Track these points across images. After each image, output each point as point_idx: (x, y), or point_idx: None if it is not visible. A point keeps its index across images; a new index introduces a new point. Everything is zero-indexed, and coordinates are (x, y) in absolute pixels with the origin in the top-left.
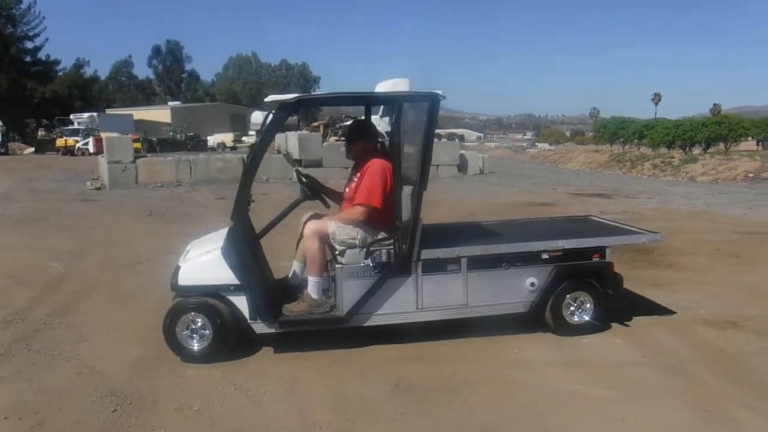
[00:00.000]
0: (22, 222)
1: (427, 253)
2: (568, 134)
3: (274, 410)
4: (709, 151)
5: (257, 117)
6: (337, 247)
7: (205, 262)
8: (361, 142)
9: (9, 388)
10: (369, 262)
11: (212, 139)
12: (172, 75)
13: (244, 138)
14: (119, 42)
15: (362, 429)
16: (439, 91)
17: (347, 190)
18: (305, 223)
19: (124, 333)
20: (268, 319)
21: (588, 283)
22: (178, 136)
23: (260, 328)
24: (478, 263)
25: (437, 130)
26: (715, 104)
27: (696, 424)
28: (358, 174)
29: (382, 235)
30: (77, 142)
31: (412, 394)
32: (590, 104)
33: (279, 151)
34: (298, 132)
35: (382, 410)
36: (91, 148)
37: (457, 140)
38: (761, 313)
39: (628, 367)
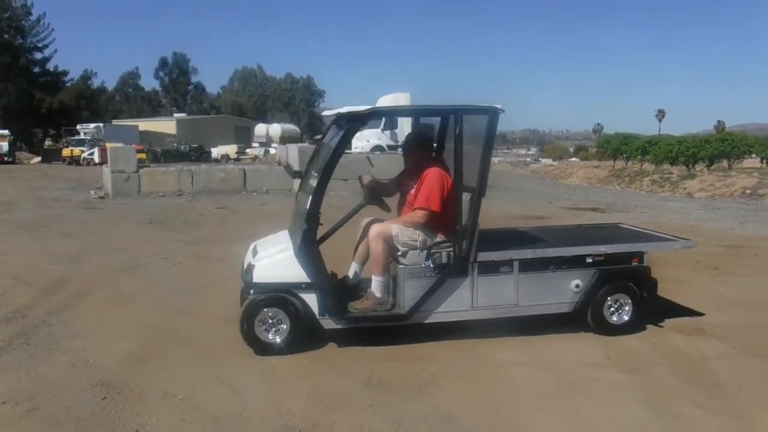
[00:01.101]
0: (26, 228)
1: (483, 256)
2: (571, 150)
3: (253, 400)
4: (712, 168)
5: (261, 129)
6: (400, 248)
7: (279, 261)
8: (418, 151)
9: (7, 377)
10: (429, 263)
11: (216, 151)
12: (178, 87)
13: (248, 150)
14: (127, 54)
15: (332, 417)
16: (499, 105)
17: (407, 196)
18: (365, 226)
19: (118, 330)
20: (336, 315)
21: (627, 285)
22: (183, 147)
23: (328, 323)
24: (528, 266)
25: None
26: (719, 121)
27: (646, 419)
28: (416, 180)
29: (440, 237)
30: (83, 152)
31: (382, 388)
32: (594, 120)
33: (279, 163)
34: (299, 144)
35: (353, 402)
36: (96, 158)
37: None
38: (727, 321)
39: (591, 368)
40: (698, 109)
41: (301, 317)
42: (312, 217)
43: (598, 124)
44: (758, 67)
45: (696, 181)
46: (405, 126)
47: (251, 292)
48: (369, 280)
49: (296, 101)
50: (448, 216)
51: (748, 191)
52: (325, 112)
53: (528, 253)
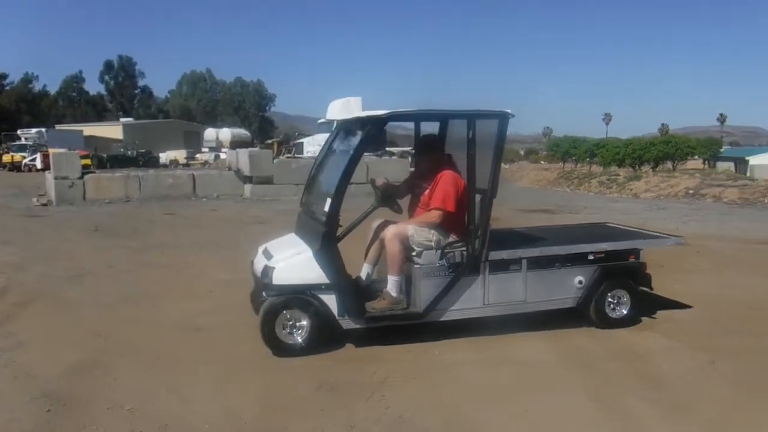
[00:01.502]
0: None
1: (494, 255)
2: (522, 153)
3: (203, 408)
4: (657, 169)
5: (210, 134)
6: (416, 248)
7: (298, 263)
8: (431, 154)
9: None
10: (443, 262)
11: (164, 156)
12: (125, 91)
13: (197, 155)
14: (70, 57)
15: (284, 422)
16: (509, 110)
17: (420, 197)
18: (376, 228)
19: (63, 340)
20: (355, 315)
21: (625, 281)
22: (129, 152)
23: (347, 324)
24: (535, 263)
25: (390, 148)
26: (663, 124)
27: (594, 413)
28: (430, 183)
29: (452, 238)
30: (24, 158)
31: (334, 391)
32: (543, 123)
33: (230, 168)
34: (250, 149)
35: (305, 406)
36: (38, 164)
37: (408, 158)
38: (672, 317)
39: (541, 365)
40: (643, 112)
41: (321, 318)
42: (332, 220)
43: (548, 127)
44: (699, 72)
45: (642, 182)
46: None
47: (265, 294)
48: (380, 281)
49: (247, 105)
50: (461, 217)
51: (690, 191)
52: (321, 120)
53: (536, 252)
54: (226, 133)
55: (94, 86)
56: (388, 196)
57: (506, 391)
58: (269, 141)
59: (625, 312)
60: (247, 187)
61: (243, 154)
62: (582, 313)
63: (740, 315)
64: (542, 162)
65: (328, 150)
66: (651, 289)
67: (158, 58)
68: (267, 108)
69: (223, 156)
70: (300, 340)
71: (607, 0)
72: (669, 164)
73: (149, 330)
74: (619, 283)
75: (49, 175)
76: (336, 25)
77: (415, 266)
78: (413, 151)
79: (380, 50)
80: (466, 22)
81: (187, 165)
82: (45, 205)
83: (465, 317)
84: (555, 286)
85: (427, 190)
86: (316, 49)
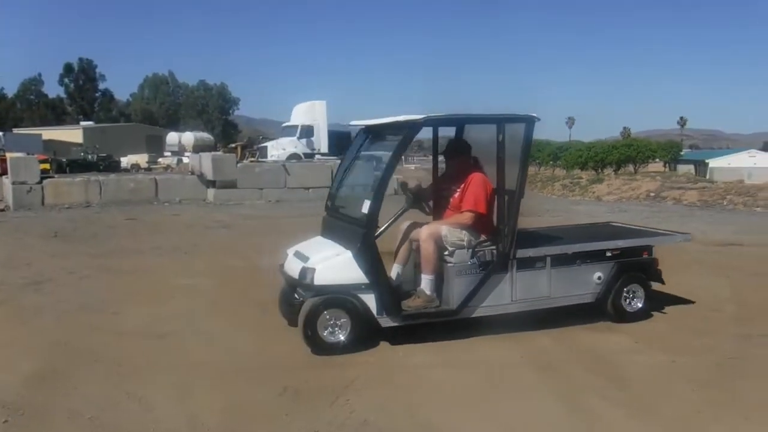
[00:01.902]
0: None
1: (521, 253)
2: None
3: (165, 416)
4: (619, 172)
5: (173, 138)
6: (449, 248)
7: (338, 264)
8: (459, 157)
9: None
10: (475, 261)
11: (126, 160)
12: (85, 94)
13: (159, 159)
14: (28, 59)
15: (248, 428)
16: (535, 114)
17: (451, 199)
18: (405, 229)
19: (21, 348)
20: (393, 314)
21: (639, 276)
22: (90, 156)
23: (385, 321)
24: (558, 260)
25: None
26: (625, 127)
27: (558, 413)
28: (459, 185)
29: (482, 237)
30: None
31: (298, 397)
32: None
33: (193, 173)
34: (213, 153)
35: (269, 412)
36: None
37: (373, 162)
38: (633, 317)
39: (506, 367)
40: (606, 116)
41: (360, 317)
42: (371, 221)
43: None
44: (660, 75)
45: (604, 185)
46: (321, 134)
47: (303, 294)
48: (411, 281)
49: (210, 109)
50: (490, 217)
51: (652, 194)
52: (353, 122)
53: (559, 249)
54: (188, 137)
55: (53, 89)
56: (418, 198)
57: (471, 393)
58: (233, 145)
59: (639, 305)
60: (211, 192)
61: (206, 158)
62: (600, 308)
63: (701, 316)
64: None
65: (355, 155)
66: (663, 283)
67: (119, 61)
68: (230, 111)
69: (185, 160)
70: (342, 338)
71: (570, 4)
72: (631, 167)
73: (110, 337)
74: (634, 278)
75: (6, 180)
76: (300, 28)
77: (449, 265)
78: (441, 155)
79: (344, 53)
80: (432, 27)
81: (149, 169)
82: (2, 210)
83: (495, 313)
84: (576, 282)
85: (457, 193)
86: (281, 52)
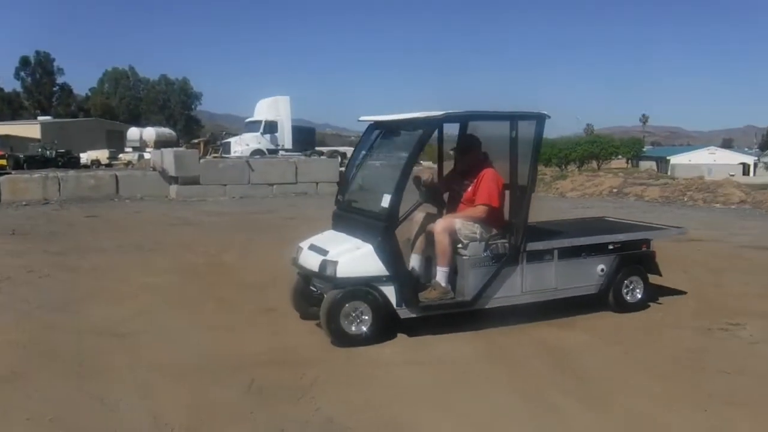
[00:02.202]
0: None
1: (531, 246)
2: (451, 153)
3: (129, 416)
4: (582, 168)
5: (134, 133)
6: (463, 241)
7: (360, 257)
8: (471, 153)
9: None
10: (488, 253)
11: (85, 156)
12: (42, 88)
13: (120, 155)
14: None
15: (213, 427)
16: (546, 112)
17: (464, 194)
18: (422, 220)
19: None
20: (412, 305)
21: (639, 268)
22: (48, 152)
23: (404, 313)
24: (565, 253)
25: (320, 148)
26: (588, 124)
27: (519, 408)
28: (471, 180)
29: (494, 231)
30: None
31: (263, 394)
32: None
33: (154, 169)
34: (175, 149)
35: (234, 411)
36: None
37: (338, 158)
38: (590, 313)
39: (468, 364)
40: (569, 113)
41: (381, 308)
42: (392, 215)
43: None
44: (622, 72)
45: (568, 181)
46: (285, 130)
47: (321, 287)
48: (422, 274)
49: (172, 104)
50: (502, 211)
51: (615, 190)
52: (362, 117)
53: (565, 242)
54: (150, 133)
55: (9, 83)
56: (432, 192)
57: (435, 390)
58: (195, 140)
59: (639, 296)
60: (173, 188)
61: (168, 153)
62: (602, 299)
63: (660, 310)
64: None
65: (368, 150)
66: (660, 275)
67: (78, 55)
68: (193, 107)
69: (147, 156)
70: (365, 329)
71: (533, 2)
72: (594, 163)
73: (71, 337)
74: (634, 271)
75: None
76: (263, 23)
77: (463, 258)
78: (452, 151)
79: (306, 49)
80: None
81: (109, 165)
82: None
83: (506, 304)
84: (581, 274)
85: (470, 187)
86: (244, 47)
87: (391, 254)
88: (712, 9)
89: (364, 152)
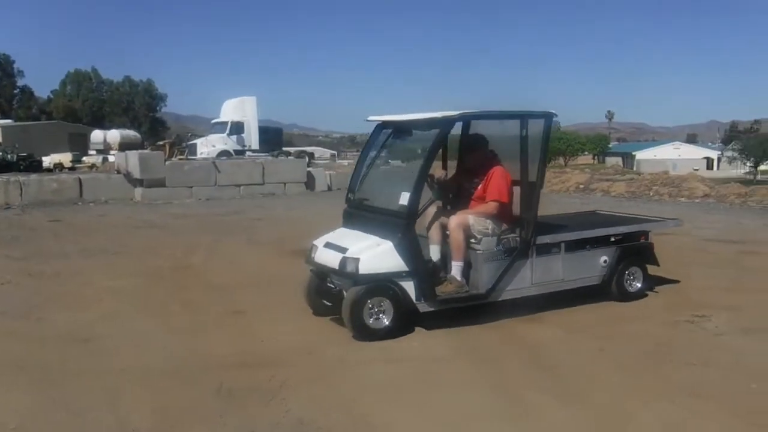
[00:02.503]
0: None
1: (540, 239)
2: (419, 151)
3: (94, 422)
4: (549, 164)
5: (98, 136)
6: (476, 236)
7: (381, 253)
8: (480, 151)
9: None
10: (500, 247)
11: (48, 160)
12: (3, 91)
13: (84, 158)
14: None
15: (181, 431)
16: (554, 111)
17: (474, 191)
18: (435, 213)
19: None
20: (430, 299)
21: (638, 259)
22: (9, 156)
23: (423, 307)
24: (571, 246)
25: (287, 148)
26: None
27: (492, 404)
28: (481, 177)
29: (504, 225)
30: None
31: (233, 397)
32: None
33: (119, 171)
34: (140, 151)
35: (203, 414)
36: None
37: (306, 158)
38: (562, 308)
39: (440, 361)
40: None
41: (401, 303)
42: (412, 212)
43: None
44: (588, 70)
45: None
46: (252, 130)
47: (333, 284)
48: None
49: (136, 106)
50: (511, 207)
51: (581, 186)
52: (371, 117)
53: (571, 235)
54: (114, 135)
55: None
56: (444, 190)
57: (407, 388)
58: (161, 142)
59: (639, 285)
60: (138, 191)
61: (133, 156)
62: (604, 289)
63: (630, 304)
64: (438, 161)
65: (379, 149)
66: (658, 265)
67: (39, 57)
68: (158, 108)
69: (111, 159)
70: (387, 323)
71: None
72: (561, 160)
73: (34, 344)
74: (634, 261)
75: None
76: (229, 23)
77: (477, 252)
78: (460, 151)
79: (272, 49)
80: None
81: (73, 169)
82: None
83: (517, 296)
84: (585, 265)
85: (480, 184)
86: (210, 48)
87: (411, 250)
88: (675, 7)
89: (374, 152)
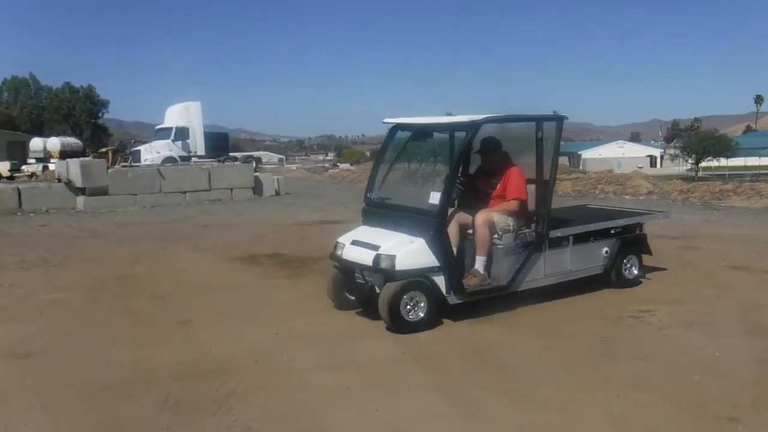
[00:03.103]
0: None
1: (553, 233)
2: (368, 154)
3: None
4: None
5: (37, 144)
6: (499, 232)
7: (415, 250)
8: (495, 153)
9: None
10: (518, 242)
11: None
12: None
13: (23, 167)
14: None
15: None
16: (565, 114)
17: (492, 191)
18: (456, 216)
19: None
20: (459, 292)
21: (635, 248)
22: None
23: (452, 299)
24: (578, 239)
25: (234, 153)
26: None
27: (440, 406)
28: (499, 178)
29: (521, 221)
30: None
31: (179, 408)
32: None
33: (59, 180)
34: (81, 159)
35: (148, 427)
36: None
37: (253, 163)
38: (510, 308)
39: (388, 364)
40: (484, 110)
41: (433, 296)
42: (443, 210)
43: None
44: (535, 70)
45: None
46: (197, 136)
47: (365, 280)
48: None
49: (77, 112)
50: (527, 204)
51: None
52: (386, 120)
53: (578, 229)
54: (54, 143)
55: None
56: (462, 192)
57: (355, 393)
58: (103, 149)
59: (635, 272)
60: (80, 200)
61: (74, 164)
62: (605, 278)
63: (573, 301)
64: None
65: (400, 151)
66: (651, 254)
67: None
68: (100, 115)
69: (52, 167)
70: (422, 315)
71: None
72: None
73: None
74: (631, 251)
75: None
76: (170, 27)
77: (498, 247)
78: (477, 153)
79: (217, 54)
80: (318, 30)
81: (11, 178)
82: None
83: (532, 287)
84: (590, 256)
85: (499, 184)
86: (151, 53)
87: (442, 246)
88: (617, 8)
89: (393, 153)
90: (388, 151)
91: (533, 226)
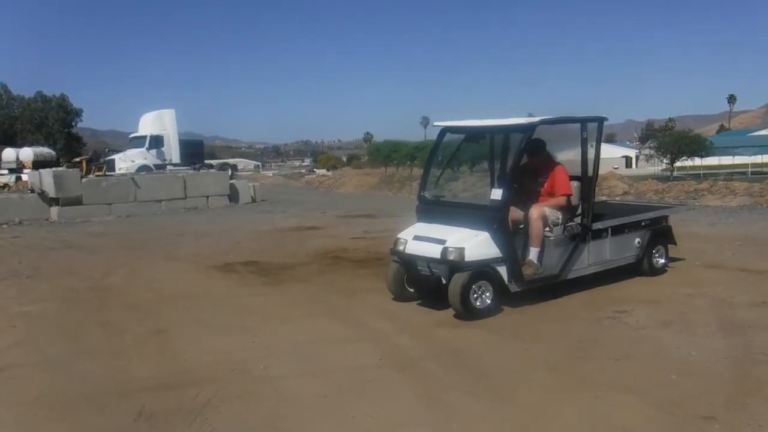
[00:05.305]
0: None
1: (595, 225)
2: (344, 159)
3: None
4: (474, 169)
5: (9, 154)
6: (550, 225)
7: (480, 242)
8: (541, 153)
9: None
10: (566, 234)
11: None
12: None
13: None
14: None
15: None
16: (605, 116)
17: (541, 188)
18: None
19: None
20: (519, 281)
21: (662, 239)
22: None
23: (513, 287)
24: (615, 230)
25: (210, 161)
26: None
27: (420, 411)
28: (546, 176)
29: (567, 215)
30: None
31: (154, 420)
32: (364, 129)
33: (33, 190)
34: (55, 169)
35: None
36: None
37: (229, 170)
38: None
39: (365, 370)
40: (457, 115)
41: (497, 285)
42: (506, 206)
43: (368, 132)
44: (506, 70)
45: (459, 182)
46: (172, 144)
47: (431, 272)
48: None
49: (50, 122)
50: (571, 199)
51: None
52: (436, 123)
53: (616, 221)
54: (27, 153)
55: None
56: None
57: (333, 400)
58: (77, 159)
59: (662, 261)
60: (54, 210)
61: (47, 174)
62: (637, 266)
63: (552, 303)
64: (365, 168)
65: (454, 152)
66: (675, 244)
67: None
68: (73, 124)
69: (25, 177)
70: (489, 303)
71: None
72: (485, 164)
73: None
74: (659, 241)
75: None
76: (143, 35)
77: (550, 239)
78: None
79: (191, 61)
80: (294, 36)
81: None
82: None
83: (578, 275)
84: (625, 246)
85: (547, 182)
86: (124, 61)
87: (505, 239)
88: (589, 11)
89: (448, 154)
90: (440, 153)
91: (578, 219)
